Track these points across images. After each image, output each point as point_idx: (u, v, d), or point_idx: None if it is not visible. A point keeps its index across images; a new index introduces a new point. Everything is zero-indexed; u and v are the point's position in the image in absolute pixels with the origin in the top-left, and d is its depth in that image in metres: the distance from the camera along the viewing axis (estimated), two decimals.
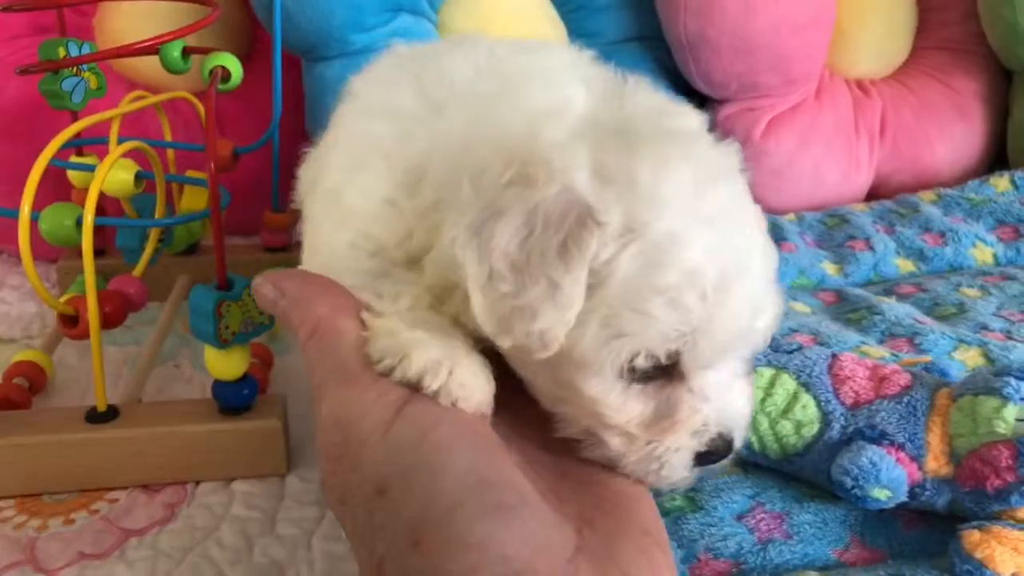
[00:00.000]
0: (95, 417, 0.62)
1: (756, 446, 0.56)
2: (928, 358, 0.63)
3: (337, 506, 0.35)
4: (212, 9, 0.71)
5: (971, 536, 0.47)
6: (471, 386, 0.36)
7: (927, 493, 0.51)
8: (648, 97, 0.43)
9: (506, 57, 0.46)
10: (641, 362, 0.37)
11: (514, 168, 0.37)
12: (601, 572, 0.33)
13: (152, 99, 0.74)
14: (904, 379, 0.55)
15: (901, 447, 0.52)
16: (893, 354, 0.71)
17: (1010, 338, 0.75)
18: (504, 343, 0.36)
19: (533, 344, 0.36)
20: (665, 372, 0.38)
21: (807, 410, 0.55)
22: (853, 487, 0.51)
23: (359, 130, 0.46)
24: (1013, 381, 0.51)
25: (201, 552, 0.57)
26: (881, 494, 0.51)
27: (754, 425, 0.56)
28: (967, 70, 1.14)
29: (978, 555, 0.46)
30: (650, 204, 0.36)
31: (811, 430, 0.54)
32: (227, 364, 0.61)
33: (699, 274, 0.36)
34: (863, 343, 0.73)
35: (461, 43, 0.50)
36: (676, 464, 0.39)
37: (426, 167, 0.41)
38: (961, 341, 0.74)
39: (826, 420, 0.54)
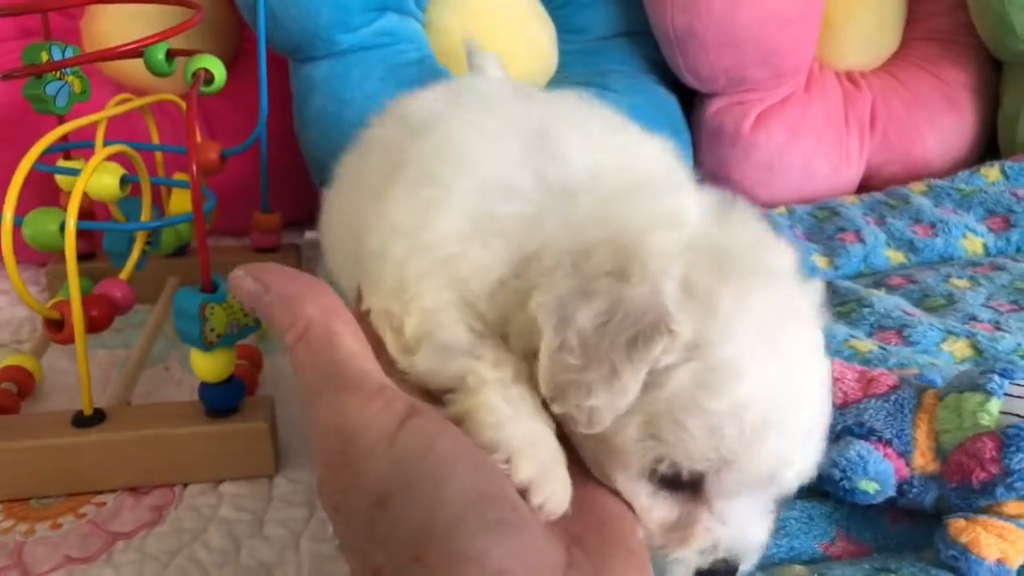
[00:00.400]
0: (82, 421, 0.62)
1: None
2: (916, 369, 0.63)
3: (333, 513, 0.35)
4: (195, 11, 0.71)
5: (956, 523, 0.47)
6: (561, 498, 0.37)
7: (914, 490, 0.51)
8: (751, 227, 0.43)
9: (611, 143, 0.48)
10: (664, 469, 0.38)
11: (615, 261, 0.39)
12: None
13: (137, 102, 0.73)
14: (892, 380, 0.56)
15: (888, 443, 0.52)
16: (881, 347, 0.71)
17: (998, 329, 0.75)
18: (555, 409, 0.38)
19: (581, 418, 0.38)
20: (692, 486, 0.39)
21: None
22: (841, 479, 0.51)
23: (471, 202, 0.44)
24: (996, 377, 0.51)
25: (188, 555, 0.57)
26: (869, 486, 0.51)
27: None
28: (956, 61, 1.14)
29: (963, 540, 0.46)
30: (721, 328, 0.37)
31: None
32: (213, 366, 0.61)
33: (745, 410, 0.37)
34: (851, 336, 0.73)
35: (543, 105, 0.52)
36: (675, 572, 0.40)
37: (541, 253, 0.42)
38: (949, 332, 0.74)
39: None
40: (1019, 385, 0.51)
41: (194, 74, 0.67)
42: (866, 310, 0.78)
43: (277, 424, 0.67)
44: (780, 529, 0.52)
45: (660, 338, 0.37)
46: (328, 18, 0.87)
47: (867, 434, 0.53)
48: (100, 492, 0.62)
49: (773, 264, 0.41)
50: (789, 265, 0.42)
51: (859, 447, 0.52)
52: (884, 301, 0.80)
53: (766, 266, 0.41)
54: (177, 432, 0.62)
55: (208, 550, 0.57)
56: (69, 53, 0.73)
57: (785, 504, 0.43)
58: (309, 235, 0.98)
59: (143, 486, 0.63)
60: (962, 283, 0.85)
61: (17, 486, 0.61)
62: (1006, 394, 0.50)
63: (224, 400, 0.63)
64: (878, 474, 0.51)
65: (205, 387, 0.63)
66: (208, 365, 0.61)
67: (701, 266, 0.39)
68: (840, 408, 0.55)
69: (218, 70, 0.68)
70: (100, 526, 0.59)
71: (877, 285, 0.86)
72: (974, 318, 0.77)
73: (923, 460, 0.51)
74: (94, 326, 0.65)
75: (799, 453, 0.38)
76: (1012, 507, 0.48)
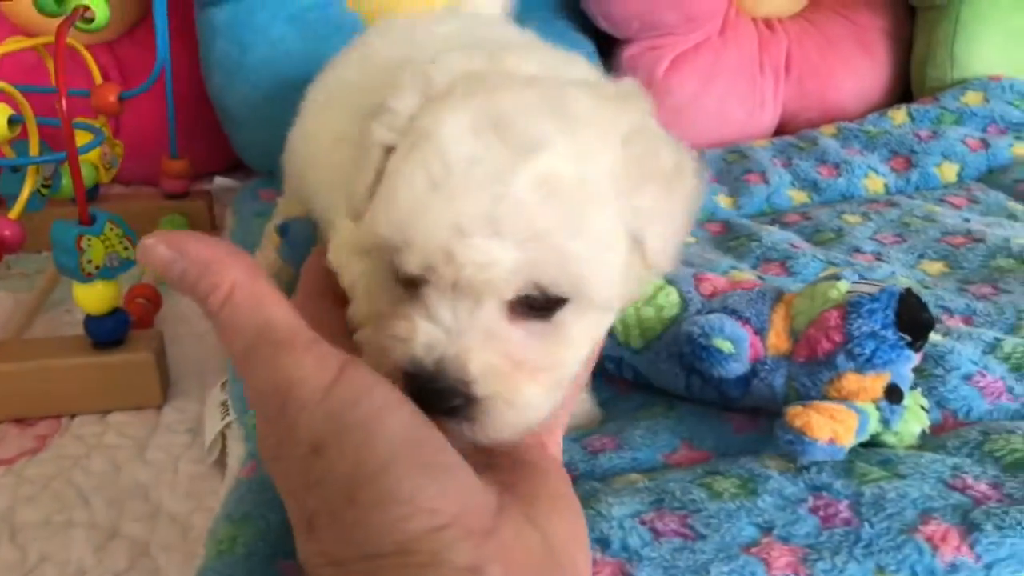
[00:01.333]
0: None
1: (620, 336, 0.59)
2: None
3: (272, 464, 0.36)
4: None
5: (792, 410, 0.50)
6: None
7: (767, 368, 0.54)
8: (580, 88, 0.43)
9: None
10: (383, 257, 0.40)
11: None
12: (520, 528, 0.35)
13: (25, 43, 0.74)
14: (758, 283, 0.59)
15: (747, 321, 0.55)
16: (760, 277, 0.73)
17: (879, 259, 0.78)
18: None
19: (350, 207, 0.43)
20: (414, 286, 0.40)
21: (669, 297, 0.58)
22: (699, 336, 0.54)
23: None
24: (849, 272, 0.54)
25: (67, 479, 0.58)
26: (724, 345, 0.53)
27: (619, 315, 0.58)
28: (871, 6, 1.16)
29: (797, 424, 0.48)
30: (435, 112, 0.40)
31: (671, 311, 0.58)
32: (95, 298, 0.63)
33: (419, 170, 0.38)
34: (734, 267, 0.75)
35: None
36: (381, 362, 0.40)
37: None
38: (831, 264, 0.76)
39: (685, 305, 0.58)
40: (868, 282, 0.54)
41: (73, 10, 0.67)
42: (754, 243, 0.80)
43: (169, 358, 0.68)
44: (623, 444, 0.54)
45: (382, 115, 0.41)
46: None
47: (729, 313, 0.55)
48: None
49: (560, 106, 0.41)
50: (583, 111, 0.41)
51: (719, 315, 0.55)
52: (773, 235, 0.82)
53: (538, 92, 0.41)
54: (63, 363, 0.64)
55: (87, 474, 0.59)
56: None
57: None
58: (219, 181, 0.98)
59: (29, 417, 0.64)
60: (854, 219, 0.87)
61: None
62: (854, 283, 0.54)
63: (106, 331, 0.64)
64: (734, 336, 0.53)
65: (89, 319, 0.64)
66: (89, 297, 0.62)
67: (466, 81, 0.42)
68: (708, 298, 0.58)
69: (100, 8, 0.69)
70: None
71: (773, 223, 0.88)
72: (858, 250, 0.80)
73: (777, 340, 0.54)
74: None
75: (482, 235, 0.37)
76: (850, 380, 0.50)
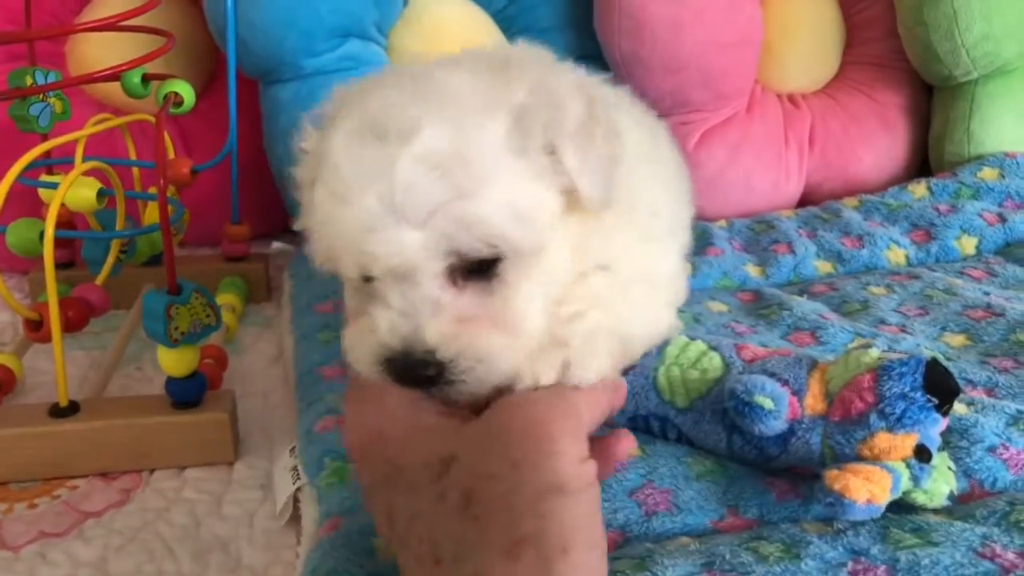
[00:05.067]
0: (58, 412, 0.68)
1: (666, 395, 0.64)
2: None
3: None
4: (168, 39, 0.78)
5: (830, 474, 0.54)
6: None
7: (804, 427, 0.58)
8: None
9: None
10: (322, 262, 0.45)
11: None
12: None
13: (115, 122, 0.80)
14: (794, 351, 0.64)
15: (786, 383, 0.60)
16: (794, 347, 0.78)
17: (904, 331, 0.82)
18: None
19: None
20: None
21: (713, 361, 0.64)
22: (742, 393, 0.58)
23: None
24: (880, 343, 0.59)
25: (152, 530, 0.63)
26: (765, 402, 0.58)
27: (667, 375, 0.64)
28: (890, 84, 1.22)
29: (836, 487, 0.53)
30: (333, 130, 0.43)
31: (715, 374, 0.63)
32: (178, 362, 0.68)
33: (322, 187, 0.42)
34: (764, 344, 0.80)
35: None
36: (360, 358, 0.44)
37: None
38: (858, 335, 0.80)
39: (727, 367, 0.63)
40: (897, 352, 0.59)
41: (165, 97, 0.73)
42: (785, 313, 0.85)
43: (238, 416, 0.73)
44: (676, 507, 0.58)
45: (299, 160, 0.46)
46: (294, 45, 0.94)
47: (768, 375, 0.60)
48: (73, 477, 0.69)
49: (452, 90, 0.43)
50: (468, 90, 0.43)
51: (761, 376, 0.60)
52: (803, 306, 0.86)
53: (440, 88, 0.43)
54: (144, 422, 0.69)
55: (170, 527, 0.64)
56: (52, 77, 0.80)
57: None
58: (276, 245, 1.04)
59: (113, 472, 0.69)
60: (879, 290, 0.92)
61: None
62: (884, 351, 0.59)
63: (187, 393, 0.69)
64: (774, 394, 0.58)
65: (170, 381, 0.69)
66: (173, 361, 0.68)
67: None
68: (749, 363, 0.63)
69: (187, 93, 0.75)
70: (72, 506, 0.65)
71: (801, 293, 0.93)
72: (883, 322, 0.84)
73: (814, 401, 0.59)
74: (70, 326, 0.72)
75: (383, 228, 0.40)
76: (882, 439, 0.55)
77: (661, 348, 0.66)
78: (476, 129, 0.42)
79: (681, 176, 0.64)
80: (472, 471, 0.38)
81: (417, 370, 0.42)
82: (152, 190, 0.91)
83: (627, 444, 0.47)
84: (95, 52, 1.01)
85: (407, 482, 0.40)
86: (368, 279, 0.44)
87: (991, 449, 0.60)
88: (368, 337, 0.43)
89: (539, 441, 0.39)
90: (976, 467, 0.60)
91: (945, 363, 0.58)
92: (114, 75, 0.76)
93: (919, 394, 0.56)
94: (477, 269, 0.43)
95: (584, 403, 0.42)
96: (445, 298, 0.43)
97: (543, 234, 0.44)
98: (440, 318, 0.42)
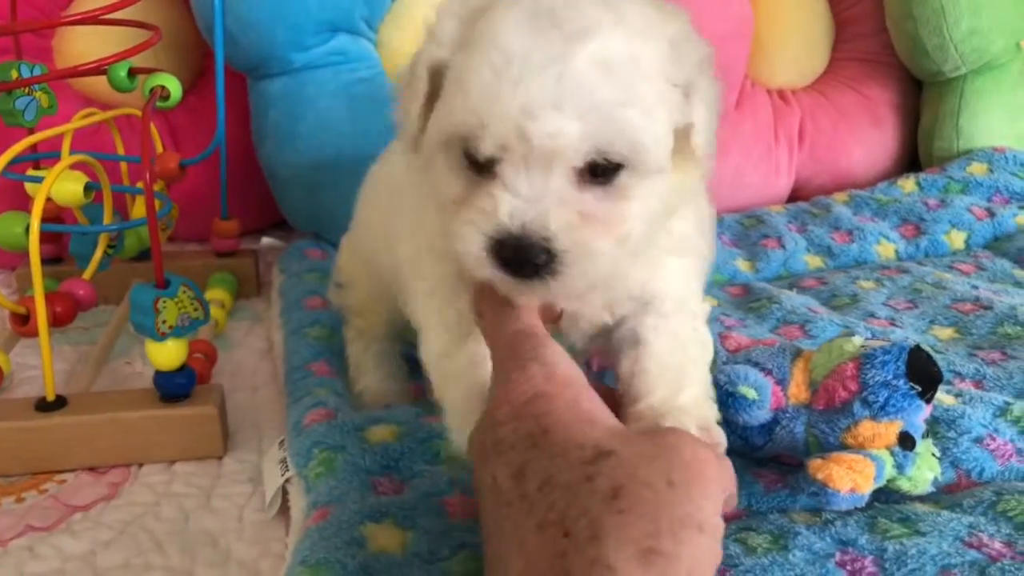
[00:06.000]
0: (44, 406, 0.68)
1: None
2: None
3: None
4: (154, 32, 0.77)
5: (814, 463, 0.54)
6: None
7: (788, 416, 0.58)
8: None
9: None
10: (456, 145, 0.46)
11: None
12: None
13: (101, 116, 0.79)
14: (778, 340, 0.64)
15: (769, 372, 0.60)
16: (783, 340, 0.78)
17: (893, 324, 0.82)
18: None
19: (405, 125, 0.49)
20: (488, 168, 0.45)
21: None
22: (725, 383, 0.58)
23: None
24: (862, 329, 0.59)
25: (140, 524, 0.63)
26: (749, 392, 0.58)
27: None
28: (880, 80, 1.22)
29: (820, 476, 0.53)
30: (486, 17, 0.45)
31: None
32: (166, 355, 0.67)
33: (482, 65, 0.43)
34: (754, 336, 0.80)
35: None
36: (468, 237, 0.45)
37: None
38: (847, 327, 0.81)
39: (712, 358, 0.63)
40: (880, 339, 0.59)
41: (151, 90, 0.73)
42: (775, 306, 0.85)
43: (227, 411, 0.73)
44: None
45: (426, 40, 0.47)
46: (283, 39, 0.94)
47: (752, 365, 0.60)
48: (61, 471, 0.68)
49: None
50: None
51: (744, 366, 0.60)
52: (793, 300, 0.87)
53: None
54: (132, 415, 0.68)
55: (159, 521, 0.63)
56: (37, 71, 0.79)
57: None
58: (266, 240, 1.04)
59: (101, 466, 0.69)
60: (868, 284, 0.92)
61: None
62: (867, 339, 0.59)
63: (176, 387, 0.69)
64: (757, 384, 0.59)
65: (159, 375, 0.69)
66: (161, 354, 0.67)
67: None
68: (733, 352, 0.64)
69: (174, 87, 0.75)
70: (60, 500, 0.65)
71: (791, 287, 0.93)
72: (872, 315, 0.85)
73: (797, 390, 0.59)
74: (58, 321, 0.71)
75: (548, 109, 0.42)
76: (865, 427, 0.55)
77: None
78: (644, 45, 0.45)
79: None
80: (628, 471, 0.39)
81: (530, 254, 0.44)
82: (140, 184, 0.91)
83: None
84: (82, 46, 1.01)
85: (554, 449, 0.40)
86: (485, 166, 0.45)
87: (978, 440, 0.61)
88: (481, 220, 0.45)
89: (698, 476, 0.40)
90: (963, 457, 0.60)
91: (928, 350, 0.59)
92: (100, 68, 0.75)
93: (902, 382, 0.56)
94: (600, 175, 0.45)
95: (727, 473, 0.44)
96: (572, 194, 0.45)
97: (665, 159, 0.46)
98: (565, 209, 0.44)
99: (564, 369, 0.45)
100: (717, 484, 0.40)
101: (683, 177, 0.49)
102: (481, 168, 0.46)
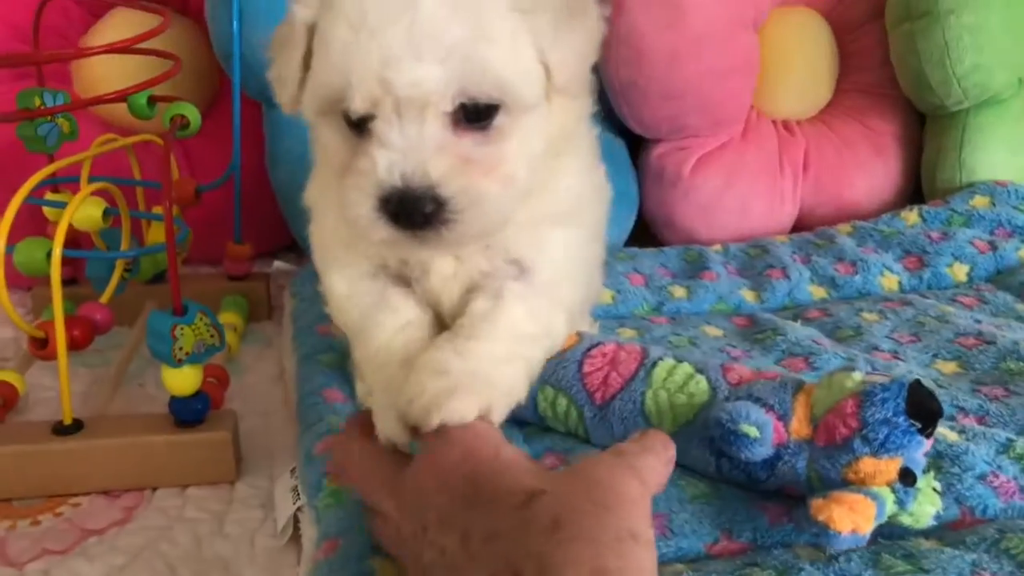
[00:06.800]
0: (61, 429, 0.69)
1: (654, 419, 0.65)
2: None
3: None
4: (175, 63, 0.79)
5: (815, 503, 0.55)
6: None
7: (789, 452, 0.59)
8: None
9: None
10: (327, 108, 0.47)
11: None
12: None
13: (121, 142, 0.81)
14: (780, 373, 0.65)
15: (771, 408, 0.61)
16: (787, 372, 0.79)
17: (896, 357, 0.83)
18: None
19: (280, 96, 0.51)
20: (360, 127, 0.46)
21: (699, 385, 0.65)
22: (727, 421, 0.59)
23: None
24: (862, 363, 0.60)
25: (154, 549, 0.64)
26: (750, 430, 0.59)
27: (654, 399, 0.65)
28: (884, 112, 1.24)
29: (821, 518, 0.54)
30: None
31: (701, 398, 0.64)
32: (181, 381, 0.69)
33: (340, 21, 0.45)
34: (758, 368, 0.81)
35: None
36: (355, 200, 0.46)
37: None
38: (851, 360, 0.82)
39: (713, 392, 0.64)
40: (879, 373, 0.60)
41: (171, 119, 0.75)
42: (779, 338, 0.86)
43: (239, 436, 0.74)
44: (670, 530, 0.59)
45: (295, 3, 0.48)
46: None
47: (754, 400, 0.61)
48: (76, 495, 0.69)
49: None
50: None
51: (745, 402, 0.61)
52: (797, 331, 0.88)
53: None
54: (147, 440, 0.69)
55: (173, 545, 0.64)
56: (60, 98, 0.81)
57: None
58: (278, 264, 1.05)
59: (115, 489, 0.70)
60: (872, 316, 0.93)
61: (0, 487, 0.68)
62: (867, 373, 0.60)
63: (191, 412, 0.70)
64: (759, 422, 0.59)
65: (174, 400, 0.70)
66: (177, 380, 0.68)
67: None
68: (735, 386, 0.64)
69: (193, 116, 0.76)
70: (75, 524, 0.66)
71: (795, 318, 0.94)
72: (876, 348, 0.85)
73: (799, 426, 0.60)
74: (75, 345, 0.73)
75: (406, 59, 0.44)
76: (866, 464, 0.56)
77: (649, 371, 0.67)
78: None
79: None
80: (562, 503, 0.40)
81: (417, 205, 0.44)
82: (156, 209, 0.93)
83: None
84: (101, 71, 1.02)
85: (489, 503, 0.41)
86: (362, 126, 0.46)
87: (982, 477, 0.62)
88: (363, 181, 0.45)
89: (619, 492, 0.41)
90: (967, 494, 0.61)
91: (935, 390, 0.60)
92: (121, 97, 0.77)
93: (902, 418, 0.57)
94: (475, 119, 0.46)
95: (647, 470, 0.45)
96: (449, 139, 0.46)
97: (537, 94, 0.47)
98: (443, 156, 0.45)
99: (481, 425, 0.46)
100: (638, 491, 0.42)
101: (563, 116, 0.51)
102: (360, 130, 0.47)
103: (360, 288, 0.54)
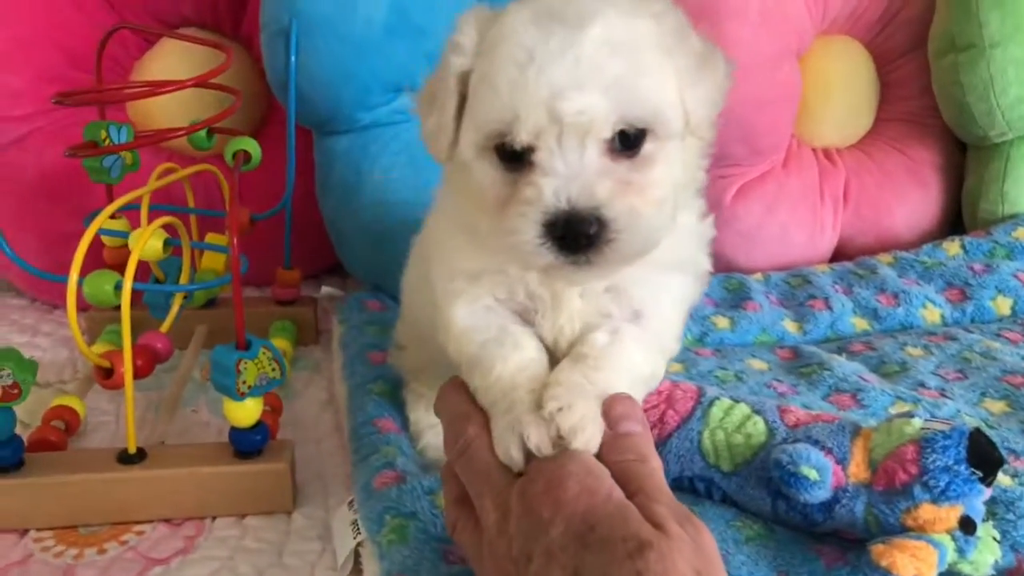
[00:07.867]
0: (126, 458, 0.70)
1: (711, 458, 0.66)
2: None
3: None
4: (236, 97, 0.81)
5: (877, 548, 0.56)
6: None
7: (847, 495, 0.60)
8: None
9: None
10: (488, 142, 0.50)
11: None
12: None
13: (179, 174, 0.83)
14: (837, 417, 0.66)
15: (830, 451, 0.62)
16: (837, 409, 0.80)
17: (943, 395, 0.84)
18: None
19: (430, 145, 0.55)
20: (523, 159, 0.50)
21: (757, 426, 0.66)
22: (787, 463, 0.61)
23: None
24: (922, 411, 0.61)
25: None
26: (810, 473, 0.60)
27: (711, 438, 0.67)
28: (924, 141, 1.24)
29: (884, 563, 0.55)
30: (499, 23, 0.51)
31: (759, 439, 0.65)
32: (243, 414, 0.70)
33: (506, 62, 0.49)
34: (805, 405, 0.81)
35: None
36: (521, 228, 0.49)
37: None
38: (899, 398, 0.82)
39: (771, 433, 0.65)
40: (939, 420, 0.61)
41: (234, 155, 0.76)
42: (826, 373, 0.87)
43: (295, 465, 0.75)
44: (727, 573, 0.60)
45: (449, 52, 0.53)
46: (351, 97, 0.97)
47: (812, 443, 0.62)
48: (139, 522, 0.71)
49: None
50: None
51: (805, 445, 0.62)
52: (843, 366, 0.88)
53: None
54: (208, 471, 0.71)
55: None
56: (124, 132, 0.83)
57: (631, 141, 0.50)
58: (325, 290, 1.07)
59: (177, 518, 0.71)
60: (916, 351, 0.93)
61: (67, 515, 0.70)
62: (927, 420, 0.61)
63: (252, 443, 0.71)
64: (819, 465, 0.61)
65: (235, 432, 0.71)
66: (239, 413, 0.70)
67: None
68: (793, 428, 0.65)
69: (255, 151, 0.78)
70: (140, 552, 0.67)
71: (840, 351, 0.95)
72: (923, 385, 0.86)
73: (857, 470, 0.61)
74: (138, 373, 0.74)
75: (572, 90, 0.47)
76: (926, 510, 0.57)
77: (706, 410, 0.68)
78: (638, 25, 0.50)
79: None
80: (668, 564, 0.42)
81: (582, 227, 0.47)
82: (210, 238, 0.94)
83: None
84: (160, 100, 1.04)
85: (602, 545, 0.43)
86: (518, 160, 0.49)
87: None
88: (529, 208, 0.48)
89: (714, 562, 0.46)
90: (1023, 541, 0.61)
91: (988, 432, 0.60)
92: (187, 133, 0.79)
93: (963, 467, 0.58)
94: (627, 146, 0.50)
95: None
96: (607, 164, 0.49)
97: (680, 124, 0.51)
98: (604, 180, 0.48)
99: (593, 461, 0.48)
100: (721, 565, 0.46)
101: (690, 156, 0.54)
102: (517, 165, 0.50)
103: (480, 322, 0.56)
